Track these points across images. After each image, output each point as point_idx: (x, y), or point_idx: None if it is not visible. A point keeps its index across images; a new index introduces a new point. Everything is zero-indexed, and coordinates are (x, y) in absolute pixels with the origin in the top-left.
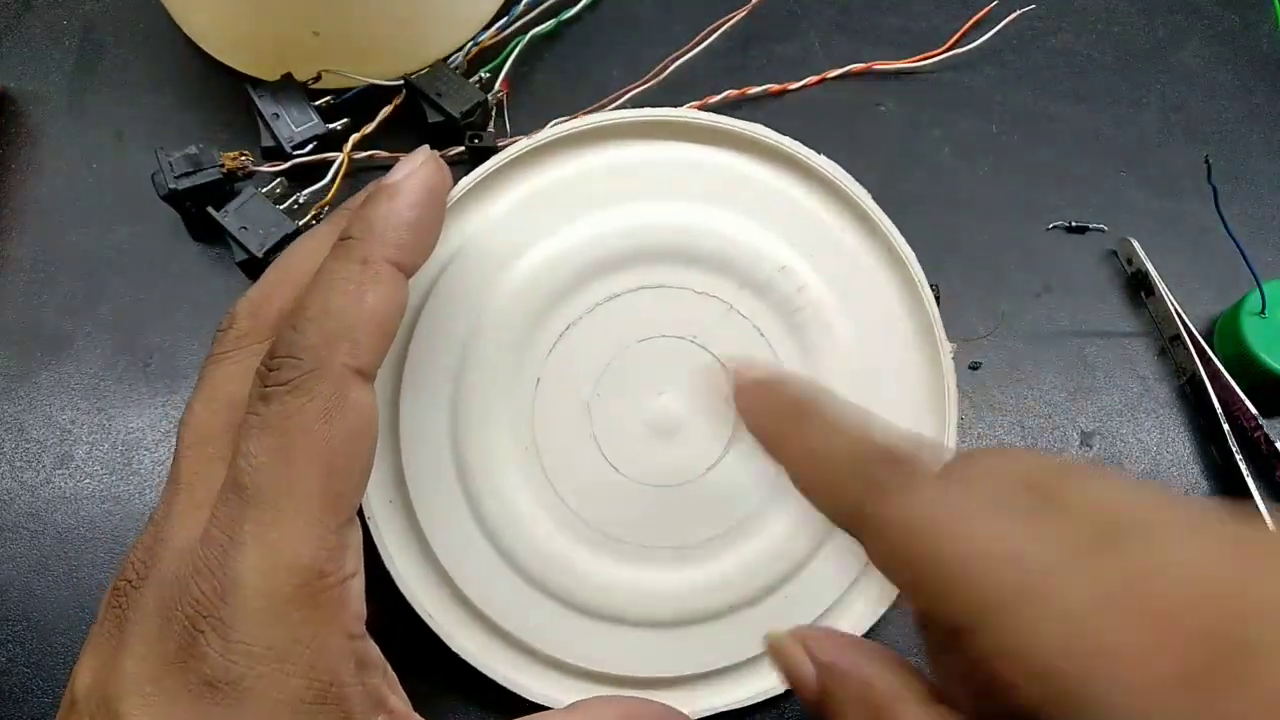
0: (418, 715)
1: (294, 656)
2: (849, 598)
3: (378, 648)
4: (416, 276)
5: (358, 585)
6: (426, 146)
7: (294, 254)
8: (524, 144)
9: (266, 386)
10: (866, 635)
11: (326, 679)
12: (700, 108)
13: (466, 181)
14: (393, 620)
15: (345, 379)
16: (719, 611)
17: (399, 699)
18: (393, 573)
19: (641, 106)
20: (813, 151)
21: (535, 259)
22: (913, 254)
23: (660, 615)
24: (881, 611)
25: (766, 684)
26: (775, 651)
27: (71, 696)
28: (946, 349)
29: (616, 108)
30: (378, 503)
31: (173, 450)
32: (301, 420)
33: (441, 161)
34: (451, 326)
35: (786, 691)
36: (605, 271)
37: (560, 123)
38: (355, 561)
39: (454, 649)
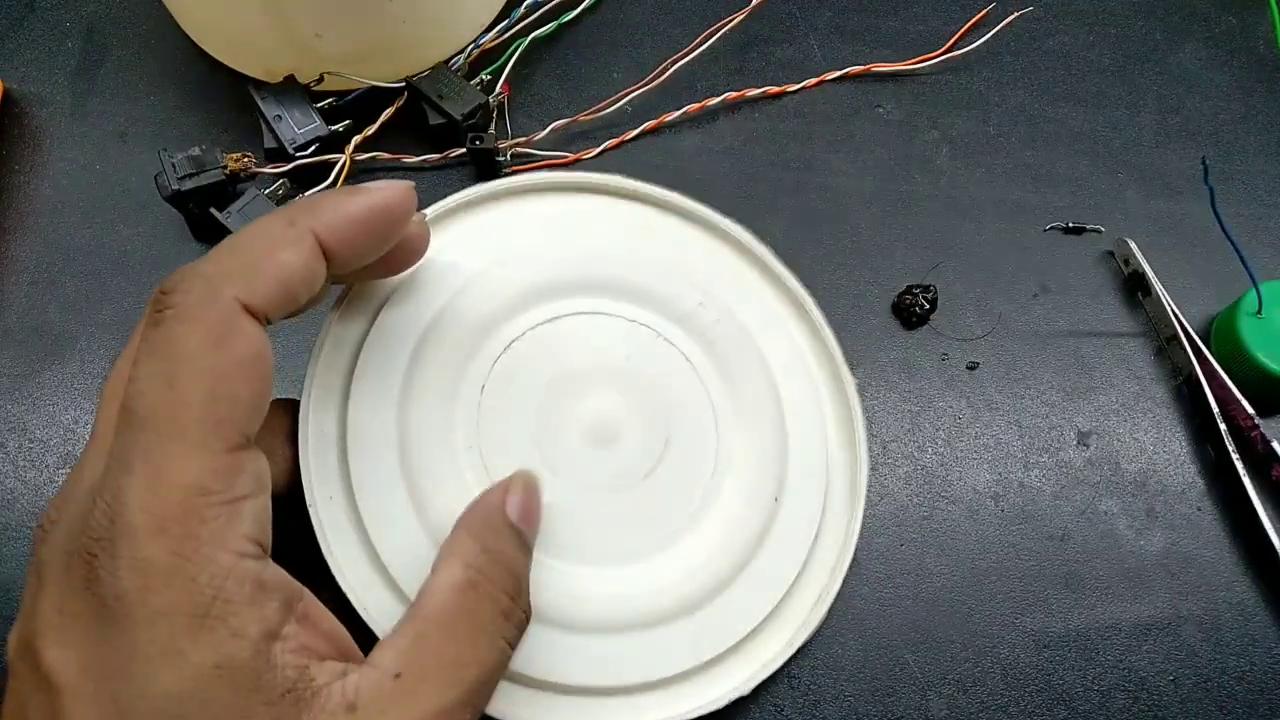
0: (341, 630)
1: (176, 570)
2: (786, 604)
3: (285, 574)
4: (371, 287)
5: (252, 508)
6: (410, 181)
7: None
8: (490, 186)
9: (157, 312)
10: (813, 636)
11: (210, 593)
12: (699, 110)
13: (436, 207)
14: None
15: (233, 310)
16: (658, 618)
17: (311, 625)
18: (334, 568)
19: (640, 108)
20: (722, 215)
21: (485, 281)
22: (813, 301)
23: (598, 621)
24: (823, 612)
25: (710, 696)
26: None
27: (6, 659)
28: (851, 382)
29: (616, 109)
30: (320, 498)
31: None
32: (185, 345)
33: (413, 192)
34: (403, 332)
35: (729, 705)
36: (545, 298)
37: (519, 170)
38: (250, 486)
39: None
